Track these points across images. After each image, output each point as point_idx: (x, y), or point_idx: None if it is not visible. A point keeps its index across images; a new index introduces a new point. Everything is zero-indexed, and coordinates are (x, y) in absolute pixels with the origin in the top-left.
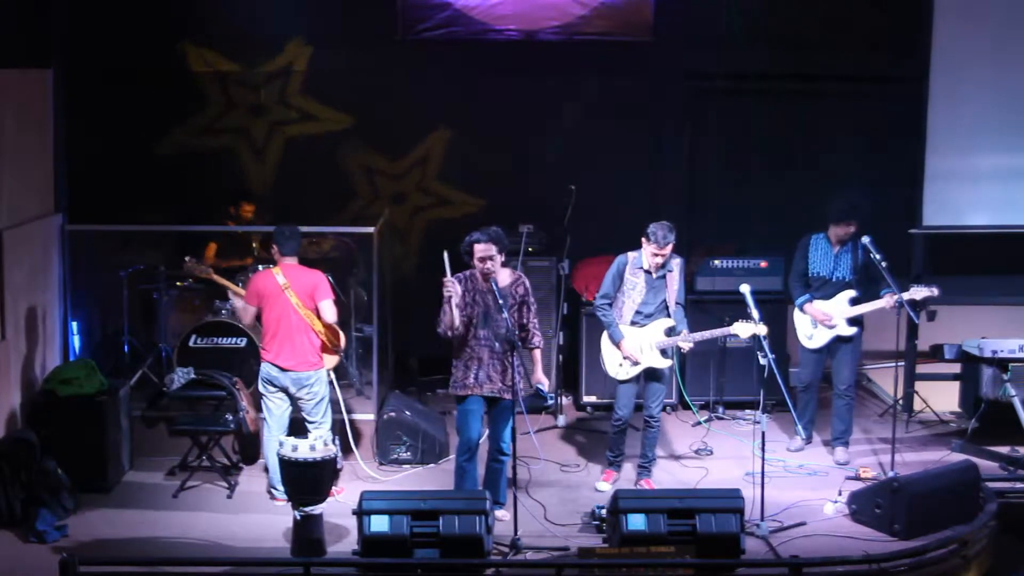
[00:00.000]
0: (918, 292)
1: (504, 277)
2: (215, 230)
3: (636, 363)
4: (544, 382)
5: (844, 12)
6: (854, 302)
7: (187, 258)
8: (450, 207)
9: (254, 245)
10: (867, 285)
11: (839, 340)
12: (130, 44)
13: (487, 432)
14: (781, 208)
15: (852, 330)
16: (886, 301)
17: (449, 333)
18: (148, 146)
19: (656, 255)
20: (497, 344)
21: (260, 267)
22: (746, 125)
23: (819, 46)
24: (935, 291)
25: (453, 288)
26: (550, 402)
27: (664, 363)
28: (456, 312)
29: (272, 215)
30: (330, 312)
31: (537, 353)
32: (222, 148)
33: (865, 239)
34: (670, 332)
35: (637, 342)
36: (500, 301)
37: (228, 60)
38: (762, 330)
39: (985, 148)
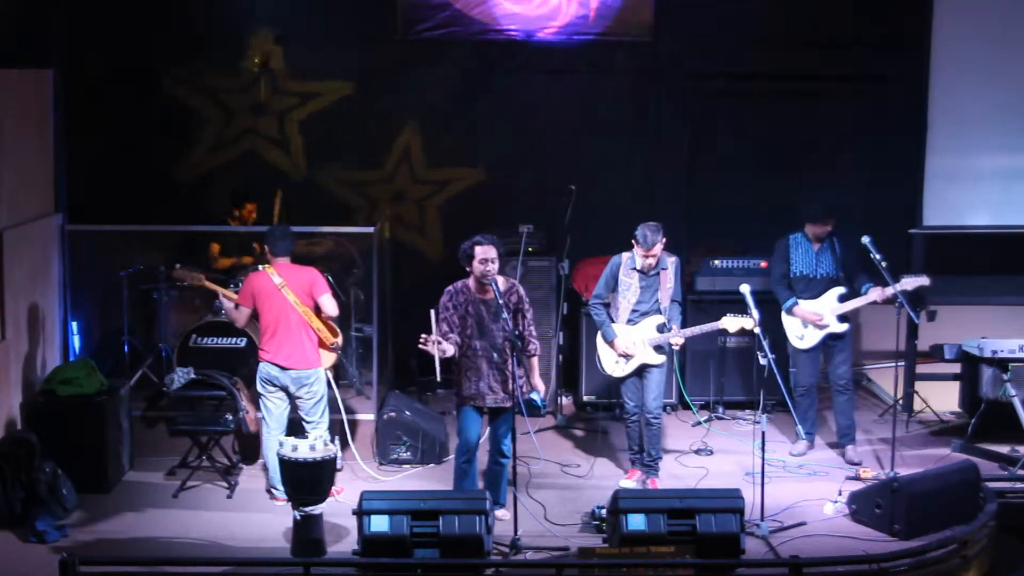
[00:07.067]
0: (909, 282)
1: (500, 284)
2: (215, 230)
3: (631, 357)
4: (540, 388)
5: (844, 12)
6: (843, 299)
7: (176, 265)
8: (451, 186)
9: (255, 245)
10: (850, 280)
11: (831, 338)
12: (130, 44)
13: (487, 432)
14: (781, 208)
15: (844, 327)
16: (876, 294)
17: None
18: (150, 147)
19: (646, 256)
20: (495, 354)
21: (259, 267)
22: (746, 125)
23: (818, 46)
24: (926, 280)
25: (440, 345)
26: (544, 410)
27: (658, 359)
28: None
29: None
30: (331, 306)
31: (534, 360)
32: (241, 155)
33: (865, 239)
34: (662, 328)
35: (630, 339)
36: (500, 301)
37: (216, 71)
38: (749, 323)
39: (985, 148)
